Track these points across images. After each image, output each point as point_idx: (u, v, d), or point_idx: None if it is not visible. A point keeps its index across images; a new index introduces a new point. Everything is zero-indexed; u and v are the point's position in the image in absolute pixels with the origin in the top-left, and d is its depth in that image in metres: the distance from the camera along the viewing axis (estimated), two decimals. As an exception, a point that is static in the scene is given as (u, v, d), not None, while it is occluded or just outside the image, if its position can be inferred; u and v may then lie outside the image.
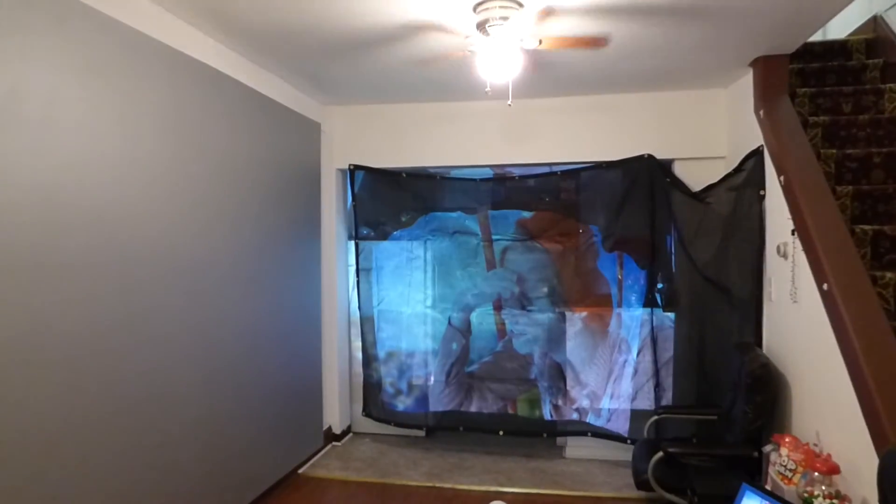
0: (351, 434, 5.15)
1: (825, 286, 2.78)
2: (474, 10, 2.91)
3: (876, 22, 4.29)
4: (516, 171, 4.86)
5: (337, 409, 4.93)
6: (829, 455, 2.63)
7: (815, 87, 4.02)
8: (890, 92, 3.83)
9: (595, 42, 3.24)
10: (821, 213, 3.01)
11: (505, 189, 4.86)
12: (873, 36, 4.28)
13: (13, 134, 2.16)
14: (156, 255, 2.87)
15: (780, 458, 2.78)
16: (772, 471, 2.85)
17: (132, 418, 2.71)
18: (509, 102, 3.33)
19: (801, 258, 3.08)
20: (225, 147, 3.45)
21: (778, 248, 3.37)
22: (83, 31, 2.46)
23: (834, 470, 2.51)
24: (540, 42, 3.04)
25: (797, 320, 3.17)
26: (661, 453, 3.16)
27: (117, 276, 2.63)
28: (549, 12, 2.94)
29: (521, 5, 2.86)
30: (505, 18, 2.84)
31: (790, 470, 2.69)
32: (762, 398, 3.17)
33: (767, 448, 2.96)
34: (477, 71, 3.21)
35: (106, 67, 2.59)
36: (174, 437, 2.99)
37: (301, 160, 4.44)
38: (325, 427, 4.82)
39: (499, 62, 2.98)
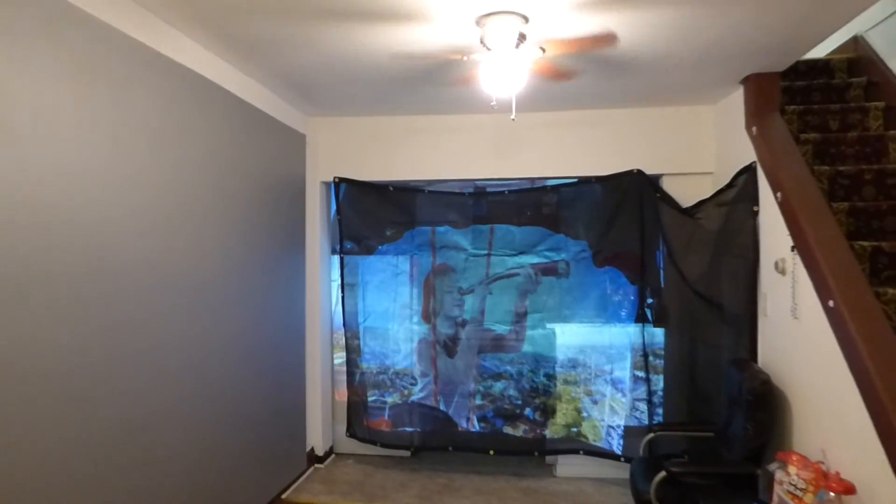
0: (333, 455, 4.97)
1: (831, 303, 2.77)
2: (477, 23, 2.85)
3: (857, 42, 4.37)
4: (505, 186, 4.79)
5: (320, 429, 4.76)
6: (837, 473, 2.62)
7: (802, 104, 4.07)
8: (875, 110, 3.90)
9: (601, 40, 3.04)
10: (821, 229, 3.01)
11: (493, 203, 4.79)
12: (855, 55, 4.36)
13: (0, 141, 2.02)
14: (135, 269, 2.70)
15: (789, 476, 2.75)
16: (779, 490, 2.81)
17: (113, 442, 2.54)
18: (513, 117, 3.26)
19: (802, 274, 3.07)
20: (210, 156, 3.31)
21: (776, 264, 3.37)
22: (73, 34, 2.32)
23: (850, 490, 2.48)
24: (543, 50, 2.98)
25: (798, 337, 3.16)
26: (663, 473, 3.12)
27: (99, 288, 2.47)
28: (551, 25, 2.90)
29: (526, 20, 2.81)
30: (510, 32, 2.79)
31: (800, 489, 2.66)
32: (763, 415, 3.15)
33: (773, 466, 2.93)
34: (469, 83, 3.14)
35: (96, 72, 2.45)
36: (156, 462, 2.82)
37: (286, 172, 4.31)
38: (307, 449, 4.65)
39: (503, 76, 2.91)
